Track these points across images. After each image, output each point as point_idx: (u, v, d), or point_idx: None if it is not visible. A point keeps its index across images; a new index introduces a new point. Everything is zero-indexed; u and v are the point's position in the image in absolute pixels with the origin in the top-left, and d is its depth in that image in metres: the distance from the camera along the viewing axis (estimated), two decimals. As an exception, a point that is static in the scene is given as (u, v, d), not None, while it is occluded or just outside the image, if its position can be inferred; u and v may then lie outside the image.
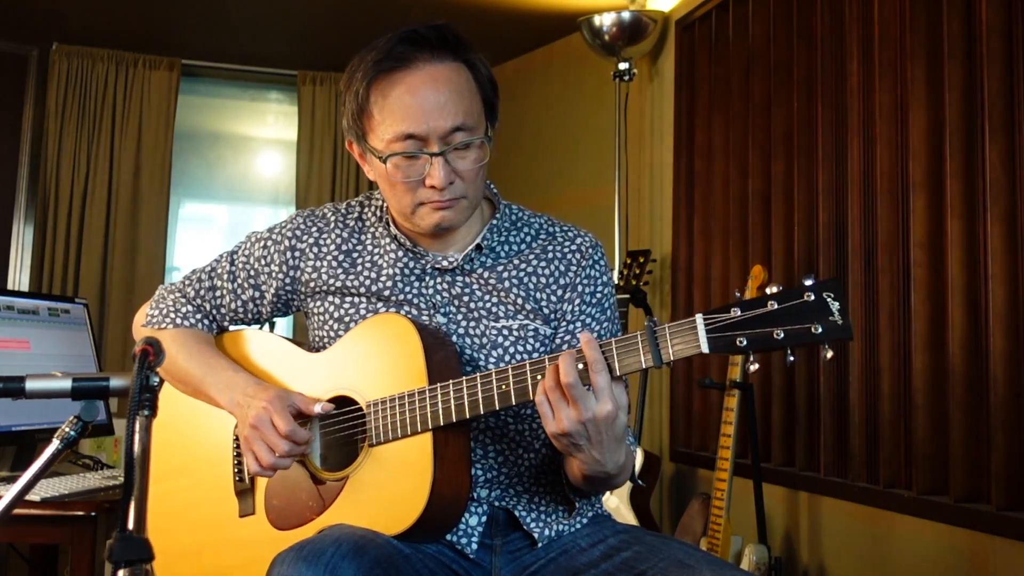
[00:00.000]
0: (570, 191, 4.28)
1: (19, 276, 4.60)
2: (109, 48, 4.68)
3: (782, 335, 1.21)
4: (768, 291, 1.24)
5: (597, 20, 3.70)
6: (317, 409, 1.44)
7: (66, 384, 1.39)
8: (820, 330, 1.20)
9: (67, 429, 1.34)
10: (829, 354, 1.22)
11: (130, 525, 1.15)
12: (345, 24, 4.33)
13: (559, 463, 1.55)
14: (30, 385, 1.39)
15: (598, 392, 1.27)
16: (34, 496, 2.02)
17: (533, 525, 1.50)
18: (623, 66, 3.74)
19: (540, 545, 1.50)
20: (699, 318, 1.24)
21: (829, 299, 1.20)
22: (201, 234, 5.28)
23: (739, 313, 1.23)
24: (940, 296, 2.42)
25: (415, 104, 1.41)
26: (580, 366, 1.28)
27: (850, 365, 2.67)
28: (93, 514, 2.05)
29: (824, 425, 2.78)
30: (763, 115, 3.17)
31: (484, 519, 1.48)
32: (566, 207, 4.22)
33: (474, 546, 1.47)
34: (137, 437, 1.19)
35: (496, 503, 1.50)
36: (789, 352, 1.24)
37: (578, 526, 1.54)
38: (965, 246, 2.36)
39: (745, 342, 1.23)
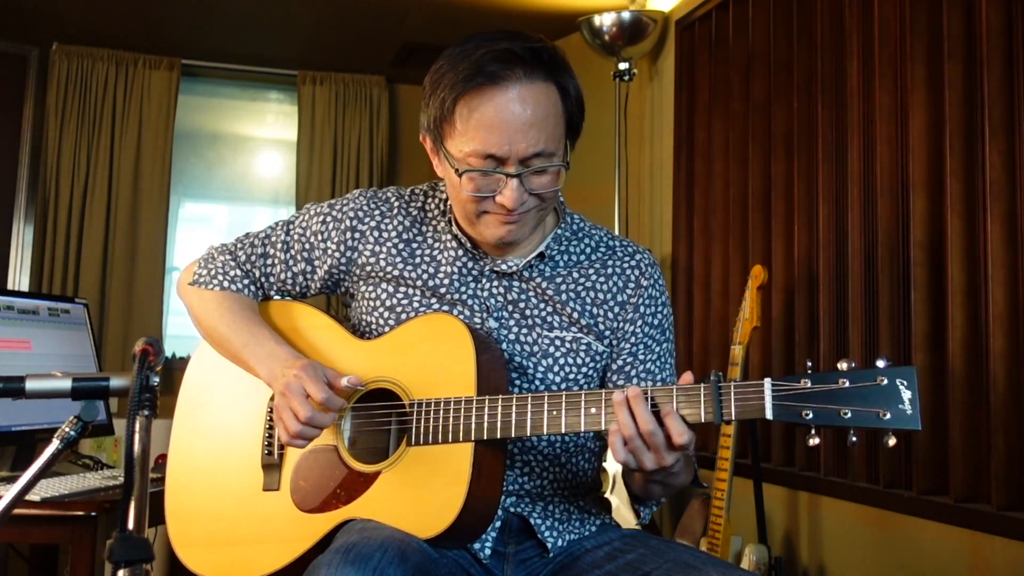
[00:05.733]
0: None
1: (19, 276, 4.60)
2: (109, 48, 4.68)
3: (849, 415, 1.19)
4: (840, 366, 1.22)
5: (597, 20, 3.70)
6: (344, 382, 1.41)
7: (66, 384, 1.39)
8: (888, 417, 1.18)
9: (67, 429, 1.34)
10: (892, 441, 1.20)
11: (130, 525, 1.15)
12: (345, 24, 4.32)
13: (581, 478, 1.56)
14: (30, 385, 1.39)
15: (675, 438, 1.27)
16: (34, 496, 2.01)
17: (548, 534, 1.50)
18: (623, 66, 3.74)
19: (551, 554, 1.50)
20: (767, 383, 1.23)
21: (902, 387, 1.18)
22: (201, 234, 5.27)
23: (809, 385, 1.21)
24: (940, 296, 2.42)
25: (499, 126, 1.38)
26: (652, 407, 1.27)
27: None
28: (93, 514, 2.04)
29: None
30: (763, 115, 3.17)
31: (498, 524, 1.49)
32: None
33: (487, 551, 1.47)
34: (137, 437, 1.19)
35: (511, 509, 1.50)
36: (852, 433, 1.22)
37: (586, 533, 1.55)
38: (965, 246, 2.36)
39: (811, 415, 1.21)
